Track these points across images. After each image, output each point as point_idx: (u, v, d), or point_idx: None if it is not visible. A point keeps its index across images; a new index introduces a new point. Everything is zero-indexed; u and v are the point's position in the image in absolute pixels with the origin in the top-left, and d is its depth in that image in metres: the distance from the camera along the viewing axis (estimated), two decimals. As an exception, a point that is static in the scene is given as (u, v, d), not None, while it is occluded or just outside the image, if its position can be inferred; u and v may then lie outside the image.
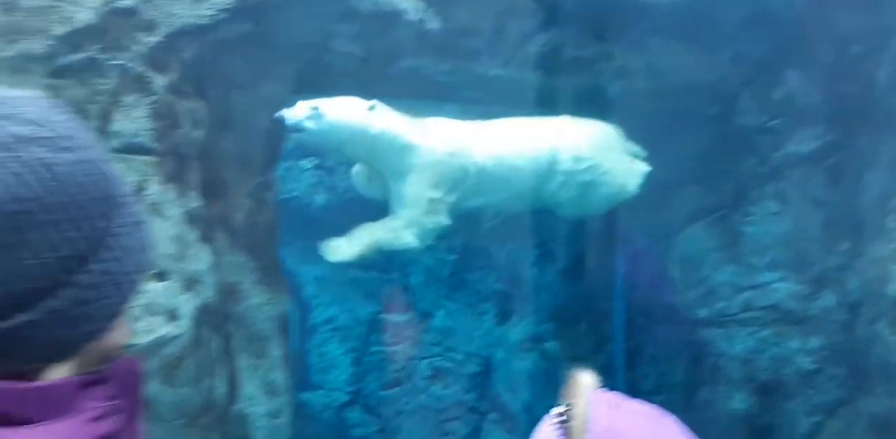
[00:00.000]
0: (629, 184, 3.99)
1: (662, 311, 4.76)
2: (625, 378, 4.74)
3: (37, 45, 2.91)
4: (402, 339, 4.92)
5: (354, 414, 4.92)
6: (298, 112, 3.36)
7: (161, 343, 3.18)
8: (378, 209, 4.28)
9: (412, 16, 3.99)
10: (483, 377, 4.98)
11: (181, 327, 3.25)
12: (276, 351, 3.85)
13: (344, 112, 3.44)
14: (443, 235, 3.92)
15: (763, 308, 4.50)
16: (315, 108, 3.38)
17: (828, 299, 4.35)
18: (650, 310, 4.79)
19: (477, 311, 4.98)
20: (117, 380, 0.81)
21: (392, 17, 3.93)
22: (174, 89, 3.34)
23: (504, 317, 4.99)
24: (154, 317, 3.16)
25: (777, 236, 4.47)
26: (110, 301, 0.80)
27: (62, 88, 3.02)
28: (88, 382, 0.78)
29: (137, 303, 2.63)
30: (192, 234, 3.38)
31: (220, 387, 3.62)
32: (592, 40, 4.45)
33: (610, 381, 1.14)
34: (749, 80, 4.43)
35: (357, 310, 4.89)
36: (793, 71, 4.35)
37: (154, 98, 3.26)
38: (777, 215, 4.47)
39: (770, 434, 4.46)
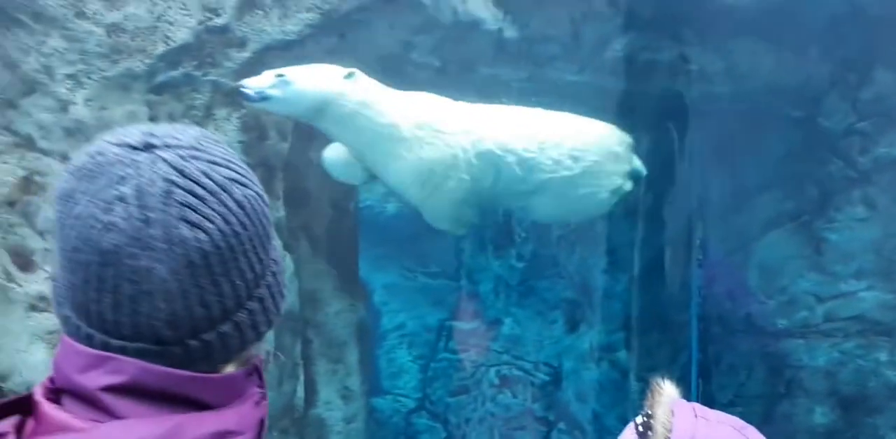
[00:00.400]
0: (607, 196, 3.73)
1: (741, 321, 4.81)
2: (700, 389, 4.82)
3: (138, 64, 3.18)
4: (470, 347, 5.08)
5: (422, 421, 5.12)
6: (263, 80, 3.10)
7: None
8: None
9: (491, 25, 4.17)
10: (552, 386, 5.11)
11: (266, 333, 3.50)
12: (352, 356, 4.09)
13: (314, 80, 3.16)
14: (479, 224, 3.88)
15: (848, 318, 4.52)
16: (281, 75, 3.12)
17: (918, 310, 4.38)
18: (728, 319, 4.85)
19: (546, 319, 5.11)
20: (258, 373, 1.02)
21: (471, 27, 4.12)
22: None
23: (574, 325, 5.11)
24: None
25: (864, 243, 4.48)
26: (270, 312, 0.99)
27: (160, 104, 3.29)
28: (248, 374, 0.98)
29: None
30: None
31: (299, 392, 3.87)
32: (670, 44, 4.56)
33: (685, 392, 1.17)
34: (836, 81, 4.47)
35: (426, 316, 5.08)
36: (883, 70, 4.37)
37: (243, 112, 3.52)
38: (864, 221, 4.48)
39: (853, 450, 4.51)
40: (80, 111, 3.06)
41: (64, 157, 3.04)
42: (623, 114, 4.59)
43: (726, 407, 4.38)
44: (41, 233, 2.94)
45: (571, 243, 5.01)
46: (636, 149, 3.95)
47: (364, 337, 4.18)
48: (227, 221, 0.91)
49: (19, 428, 0.91)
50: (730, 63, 4.52)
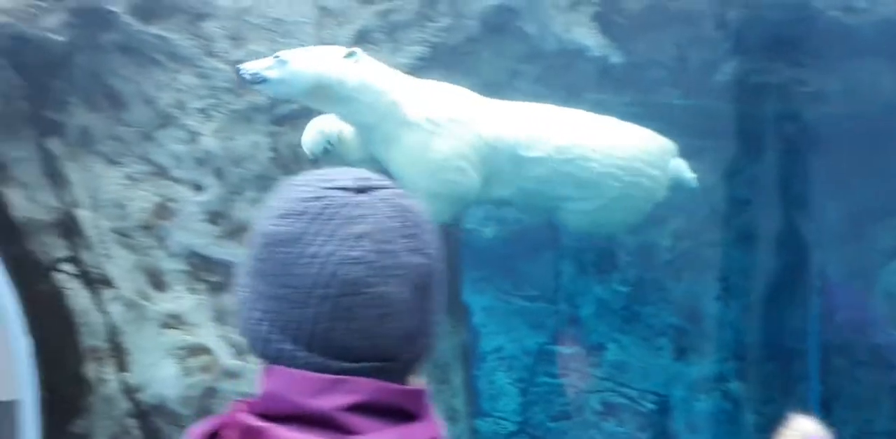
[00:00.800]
0: (642, 204, 3.64)
1: (865, 352, 4.71)
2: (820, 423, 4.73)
3: (261, 98, 3.51)
4: (571, 372, 5.15)
5: (524, 444, 5.23)
6: (262, 63, 3.04)
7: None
8: (547, 239, 4.60)
9: (595, 52, 4.33)
10: (660, 416, 5.11)
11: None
12: (456, 378, 4.27)
13: (312, 59, 3.07)
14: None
15: (983, 352, 4.39)
16: (278, 56, 3.07)
17: None
18: (851, 349, 4.75)
19: (652, 346, 5.12)
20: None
21: (575, 54, 4.28)
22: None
23: (682, 353, 5.11)
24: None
25: None
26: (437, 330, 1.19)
27: (281, 134, 3.61)
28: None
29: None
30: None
31: (405, 412, 4.07)
32: (782, 66, 4.58)
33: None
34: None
35: (524, 339, 5.18)
36: None
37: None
38: None
39: None
40: (208, 142, 3.40)
41: (194, 185, 3.39)
42: (734, 137, 4.64)
43: (851, 443, 4.31)
44: (172, 256, 3.29)
45: (679, 268, 5.04)
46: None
47: (467, 358, 4.36)
48: (435, 246, 1.09)
49: None
50: (848, 83, 4.49)
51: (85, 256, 3.10)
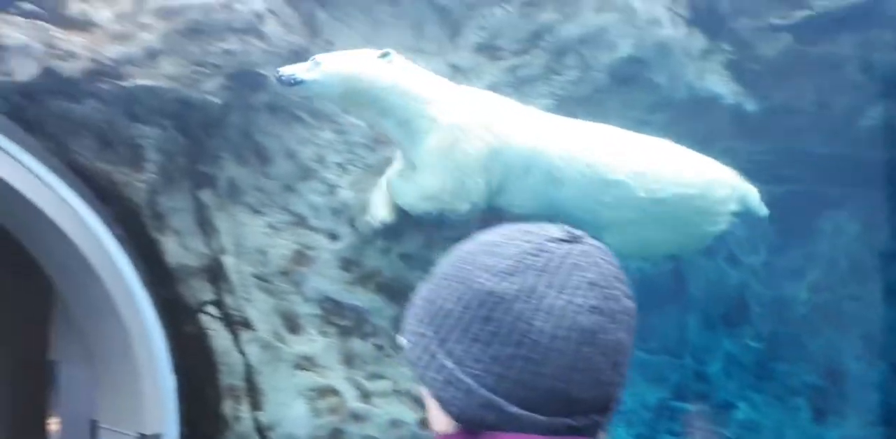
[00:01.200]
0: (686, 240, 3.59)
1: None
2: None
3: (395, 152, 3.79)
4: (695, 430, 5.08)
5: (650, 501, 5.18)
6: (299, 66, 3.20)
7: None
8: (671, 289, 4.60)
9: (729, 99, 4.38)
10: (795, 481, 4.98)
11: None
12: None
13: (345, 61, 3.19)
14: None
15: None
16: (314, 59, 3.21)
17: None
18: None
19: (788, 406, 4.98)
20: None
21: (707, 102, 4.35)
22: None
23: (821, 415, 4.96)
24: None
25: None
26: None
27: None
28: None
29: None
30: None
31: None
32: (936, 110, 4.48)
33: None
34: None
35: (644, 394, 5.15)
36: None
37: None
38: None
39: None
40: (344, 193, 3.70)
41: (330, 234, 3.69)
42: (879, 185, 4.55)
43: None
44: (308, 300, 3.59)
45: (817, 322, 4.93)
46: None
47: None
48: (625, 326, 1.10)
49: None
50: None
51: (228, 300, 3.43)
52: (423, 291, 1.16)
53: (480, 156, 3.25)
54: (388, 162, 3.77)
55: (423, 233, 3.91)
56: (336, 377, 3.55)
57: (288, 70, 3.20)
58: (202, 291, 3.40)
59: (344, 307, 3.65)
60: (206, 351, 3.39)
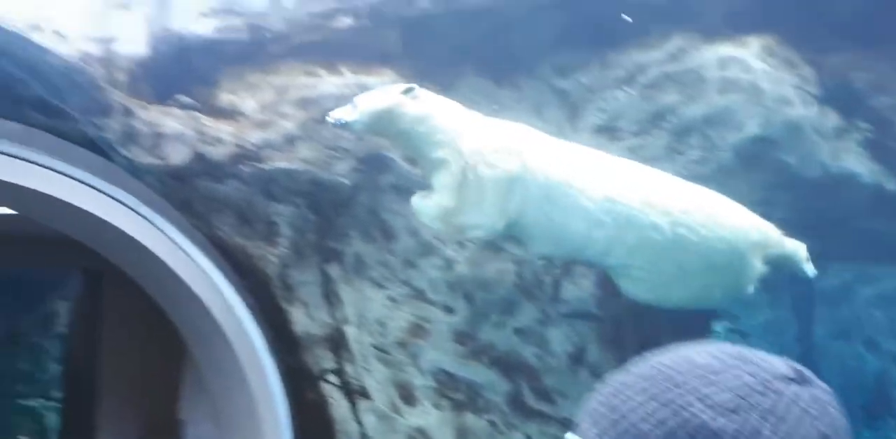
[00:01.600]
0: (707, 291, 3.48)
1: None
2: None
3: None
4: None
5: None
6: (343, 110, 3.41)
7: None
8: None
9: (867, 178, 4.28)
10: None
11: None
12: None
13: (374, 98, 3.40)
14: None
15: None
16: (353, 102, 3.41)
17: None
18: None
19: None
20: None
21: (842, 181, 4.27)
22: (618, 260, 4.13)
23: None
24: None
25: None
26: None
27: (525, 262, 4.00)
28: None
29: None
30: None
31: None
32: None
33: None
34: None
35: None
36: None
37: (596, 270, 4.10)
38: None
39: None
40: (461, 269, 3.89)
41: (446, 307, 3.87)
42: None
43: None
44: (423, 372, 3.75)
45: None
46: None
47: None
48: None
49: None
50: None
51: (348, 369, 3.65)
52: (608, 396, 1.05)
53: (500, 182, 3.34)
54: (505, 239, 3.94)
55: (538, 307, 4.02)
56: (449, 450, 3.66)
57: (336, 114, 3.42)
58: (324, 360, 3.64)
59: (458, 380, 3.79)
60: (325, 419, 3.60)
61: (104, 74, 3.44)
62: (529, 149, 3.40)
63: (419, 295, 3.84)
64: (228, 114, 3.69)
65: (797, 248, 3.70)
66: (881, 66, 4.29)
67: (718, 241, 3.41)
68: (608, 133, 4.20)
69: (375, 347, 3.72)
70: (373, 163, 3.78)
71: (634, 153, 4.15)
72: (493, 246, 3.97)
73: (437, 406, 3.73)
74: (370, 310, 3.74)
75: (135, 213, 3.13)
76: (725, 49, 4.23)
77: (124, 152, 3.32)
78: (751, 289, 3.59)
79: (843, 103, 4.32)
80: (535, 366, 3.93)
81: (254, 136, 3.64)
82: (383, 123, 3.40)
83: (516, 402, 3.87)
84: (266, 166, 3.64)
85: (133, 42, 3.60)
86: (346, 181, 3.73)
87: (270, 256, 3.59)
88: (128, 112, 3.38)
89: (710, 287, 3.56)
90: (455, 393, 3.77)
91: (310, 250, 3.68)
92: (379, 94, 3.44)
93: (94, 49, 3.52)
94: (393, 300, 3.78)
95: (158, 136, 3.46)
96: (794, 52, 4.29)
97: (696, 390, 0.98)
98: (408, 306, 3.80)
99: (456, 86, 4.03)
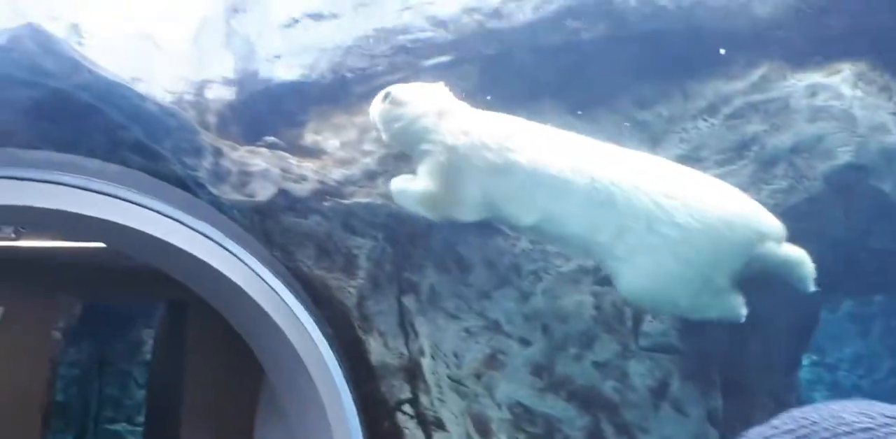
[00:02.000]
0: (696, 289, 3.29)
1: None
2: None
3: (589, 261, 3.99)
4: None
5: None
6: None
7: None
8: None
9: (971, 207, 4.06)
10: None
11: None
12: None
13: (372, 108, 3.80)
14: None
15: None
16: None
17: None
18: None
19: None
20: None
21: (945, 209, 4.08)
22: (702, 293, 4.09)
23: None
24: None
25: None
26: None
27: (604, 294, 4.01)
28: None
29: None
30: (713, 434, 3.95)
31: None
32: None
33: None
34: None
35: None
36: None
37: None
38: None
39: None
40: (537, 301, 3.94)
41: (522, 339, 3.93)
42: None
43: None
44: (498, 405, 3.81)
45: None
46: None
47: None
48: None
49: None
50: None
51: (423, 400, 3.75)
52: None
53: (481, 170, 3.49)
54: (582, 270, 3.97)
55: (618, 340, 4.01)
56: (525, 485, 3.69)
57: None
58: (400, 390, 3.76)
59: (535, 414, 3.82)
60: (400, 449, 3.70)
61: (196, 117, 3.75)
62: (516, 138, 3.51)
63: (494, 326, 3.91)
64: (313, 152, 3.92)
65: (800, 256, 3.56)
66: (981, 90, 4.10)
67: (705, 227, 3.30)
68: (691, 163, 4.16)
69: (451, 378, 3.81)
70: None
71: (718, 183, 4.12)
72: (571, 277, 4.00)
73: (512, 439, 3.77)
74: (445, 340, 3.83)
75: (219, 247, 3.37)
76: (814, 76, 4.16)
77: (213, 190, 3.58)
78: (741, 308, 3.47)
79: (944, 129, 4.14)
80: (615, 401, 3.91)
81: (336, 173, 3.85)
82: (384, 130, 3.75)
83: (595, 438, 3.86)
84: (347, 201, 3.83)
85: (223, 87, 3.91)
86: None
87: (348, 288, 3.76)
88: (218, 152, 3.66)
89: (705, 276, 3.38)
90: (532, 427, 3.80)
91: (387, 281, 3.83)
92: (375, 102, 3.78)
93: (188, 94, 3.84)
94: (468, 331, 3.87)
95: (246, 174, 3.72)
96: (890, 77, 4.17)
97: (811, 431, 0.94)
98: (483, 337, 3.88)
99: (534, 120, 4.13)
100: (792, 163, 4.09)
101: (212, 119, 3.82)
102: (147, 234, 3.18)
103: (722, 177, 4.11)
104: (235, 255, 3.41)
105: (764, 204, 4.08)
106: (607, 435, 3.87)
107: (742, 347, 4.15)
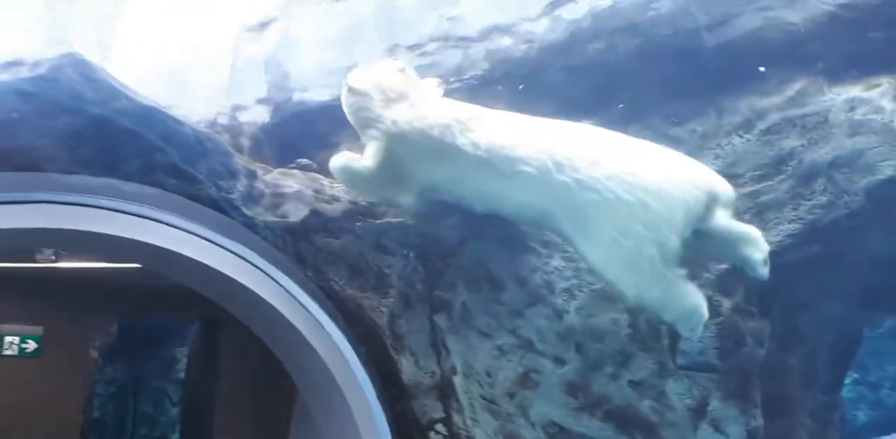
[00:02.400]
0: (651, 250, 3.28)
1: None
2: None
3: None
4: None
5: None
6: None
7: None
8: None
9: None
10: None
11: None
12: None
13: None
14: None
15: None
16: None
17: None
18: None
19: None
20: None
21: None
22: (739, 311, 4.12)
23: None
24: None
25: None
26: None
27: (639, 312, 4.07)
28: None
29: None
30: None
31: None
32: None
33: None
34: None
35: None
36: None
37: (720, 319, 4.08)
38: None
39: None
40: (571, 319, 4.01)
41: (556, 358, 3.99)
42: None
43: None
44: (533, 424, 3.87)
45: None
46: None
47: None
48: None
49: None
50: None
51: (456, 419, 3.82)
52: None
53: (422, 155, 3.64)
54: (613, 286, 4.04)
55: (654, 359, 4.06)
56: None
57: None
58: (433, 409, 3.84)
59: (570, 434, 3.86)
60: (433, 468, 3.78)
61: (230, 140, 3.91)
62: (465, 122, 3.64)
63: (527, 345, 3.98)
64: (345, 173, 4.05)
65: (753, 235, 3.60)
66: None
67: (657, 189, 3.39)
68: (726, 179, 4.22)
69: (484, 397, 3.89)
70: (479, 216, 4.02)
71: (754, 199, 4.15)
72: (605, 295, 4.07)
73: (546, 459, 3.83)
74: (477, 359, 3.91)
75: (252, 267, 3.50)
76: (853, 90, 4.18)
77: (247, 211, 3.72)
78: (698, 297, 3.48)
79: None
80: (653, 421, 3.94)
81: (367, 193, 3.98)
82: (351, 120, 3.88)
83: (632, 458, 3.90)
84: (378, 221, 3.95)
85: (257, 110, 4.08)
86: (454, 233, 3.98)
87: (380, 307, 3.87)
88: (251, 174, 3.81)
89: (656, 246, 3.39)
90: (566, 447, 3.86)
91: (418, 300, 3.93)
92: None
93: (223, 118, 4.01)
94: (500, 350, 3.94)
95: (279, 196, 3.86)
96: (930, 90, 4.18)
97: None
98: (516, 356, 3.95)
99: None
100: (831, 178, 4.12)
101: (245, 142, 3.98)
102: (182, 255, 3.33)
103: (758, 192, 4.17)
104: (269, 275, 3.54)
105: (803, 219, 4.13)
106: (644, 455, 3.91)
107: (783, 365, 4.17)
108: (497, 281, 4.02)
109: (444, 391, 3.85)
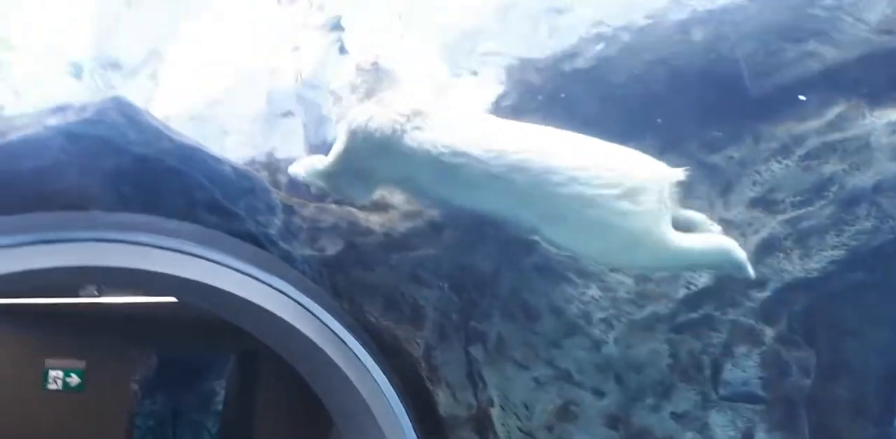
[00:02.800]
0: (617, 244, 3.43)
1: None
2: None
3: (662, 307, 4.12)
4: None
5: None
6: None
7: None
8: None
9: None
10: None
11: None
12: None
13: None
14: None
15: None
16: None
17: None
18: None
19: None
20: None
21: None
22: (783, 339, 4.16)
23: None
24: None
25: None
26: None
27: (680, 342, 4.12)
28: None
29: None
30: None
31: None
32: None
33: None
34: None
35: None
36: None
37: (763, 348, 4.13)
38: None
39: None
40: (609, 349, 4.08)
41: (595, 390, 4.07)
42: None
43: None
44: (571, 457, 3.94)
45: None
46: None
47: None
48: None
49: None
50: None
51: (494, 451, 3.93)
52: None
53: (373, 152, 3.78)
54: (656, 317, 4.11)
55: (697, 390, 4.11)
56: None
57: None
58: (471, 442, 3.94)
59: (615, 467, 3.94)
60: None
61: (268, 177, 4.09)
62: (423, 122, 3.73)
63: (565, 376, 4.05)
64: (380, 206, 4.19)
65: (727, 244, 3.67)
66: None
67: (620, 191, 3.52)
68: (765, 206, 4.28)
69: (521, 430, 3.97)
70: (515, 246, 4.12)
71: (794, 225, 4.21)
72: (644, 325, 4.14)
73: (591, 493, 3.88)
74: (514, 391, 4.00)
75: (290, 300, 3.65)
76: (894, 114, 4.24)
77: (284, 245, 3.88)
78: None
79: None
80: (696, 453, 4.01)
81: (402, 226, 4.11)
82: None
83: (675, 492, 3.95)
84: (413, 253, 4.09)
85: (293, 147, 4.26)
86: (490, 263, 4.10)
87: (416, 338, 3.99)
88: (289, 210, 3.96)
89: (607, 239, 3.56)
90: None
91: (453, 331, 4.04)
92: None
93: (261, 156, 4.21)
94: (537, 381, 4.03)
95: (316, 230, 4.01)
96: (976, 111, 4.22)
97: None
98: (553, 388, 4.02)
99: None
100: (875, 202, 4.16)
101: (283, 178, 4.15)
102: (219, 289, 3.49)
103: (799, 218, 4.22)
104: (305, 307, 3.69)
105: (847, 245, 4.17)
106: (688, 489, 3.95)
107: (830, 395, 4.19)
108: (533, 311, 4.12)
109: (482, 423, 3.94)
